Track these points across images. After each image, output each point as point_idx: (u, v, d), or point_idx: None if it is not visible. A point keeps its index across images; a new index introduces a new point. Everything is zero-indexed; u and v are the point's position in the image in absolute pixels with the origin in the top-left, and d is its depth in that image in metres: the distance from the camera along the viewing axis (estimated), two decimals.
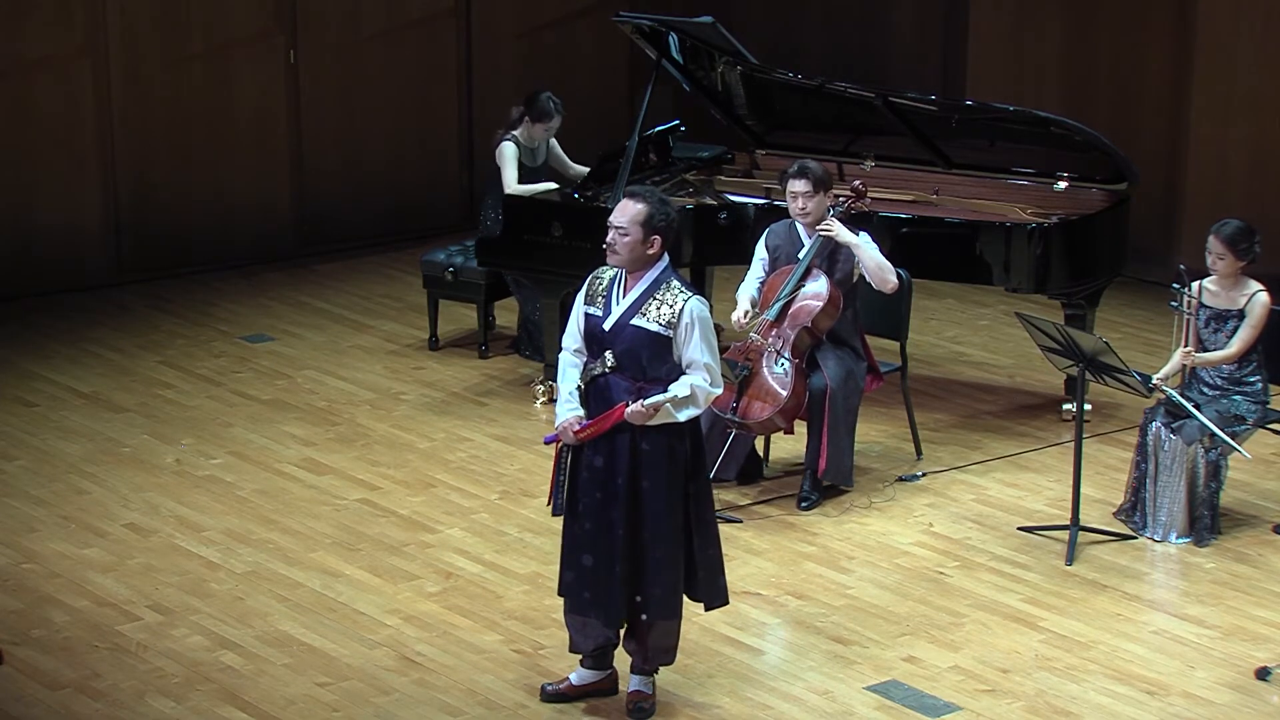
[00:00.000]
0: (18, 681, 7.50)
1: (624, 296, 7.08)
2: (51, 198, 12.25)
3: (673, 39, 10.73)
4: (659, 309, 7.01)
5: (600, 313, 7.11)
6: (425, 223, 13.40)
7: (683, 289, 7.04)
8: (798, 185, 9.09)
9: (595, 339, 7.12)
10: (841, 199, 9.33)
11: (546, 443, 7.26)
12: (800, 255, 9.16)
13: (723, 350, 8.95)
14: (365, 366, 11.08)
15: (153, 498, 9.28)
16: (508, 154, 10.86)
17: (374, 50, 13.22)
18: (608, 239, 7.05)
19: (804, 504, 9.15)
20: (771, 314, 9.07)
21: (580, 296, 7.23)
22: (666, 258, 7.10)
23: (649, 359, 7.02)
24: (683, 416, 7.01)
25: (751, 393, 9.03)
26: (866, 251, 9.06)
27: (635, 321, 7.03)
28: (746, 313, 9.11)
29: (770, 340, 9.07)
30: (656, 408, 6.94)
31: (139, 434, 10.06)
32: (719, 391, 7.08)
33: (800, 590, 8.36)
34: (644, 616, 7.15)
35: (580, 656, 7.41)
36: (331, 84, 13.12)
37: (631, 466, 7.04)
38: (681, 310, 7.00)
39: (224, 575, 8.45)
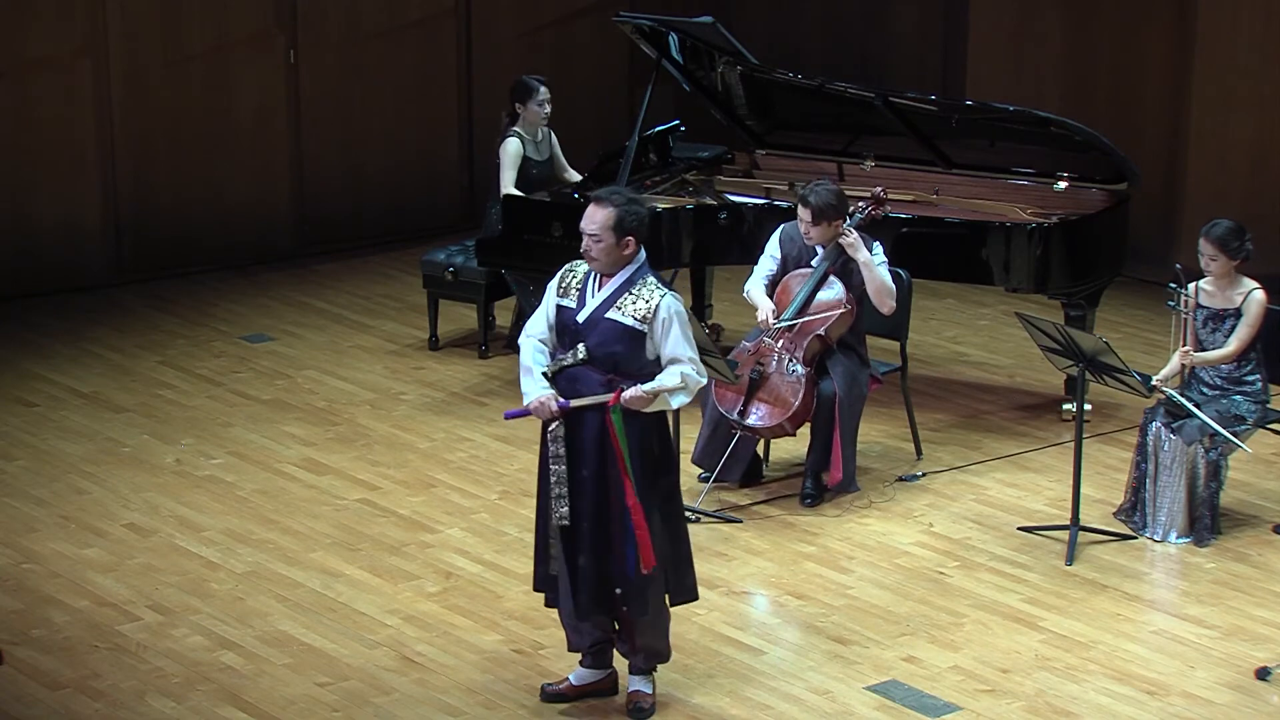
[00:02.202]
0: (18, 681, 7.51)
1: (599, 290, 7.10)
2: (51, 198, 12.24)
3: (673, 39, 10.73)
4: (634, 304, 7.03)
5: (574, 305, 7.13)
6: (425, 223, 13.40)
7: (658, 286, 7.07)
8: (801, 213, 9.07)
9: (567, 331, 7.14)
10: (862, 204, 9.31)
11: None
12: (815, 262, 9.15)
13: (727, 352, 8.98)
14: (365, 366, 11.08)
15: (153, 498, 9.28)
16: (510, 151, 10.81)
17: (374, 50, 13.22)
18: (583, 246, 7.07)
19: (808, 500, 9.15)
20: (785, 319, 9.06)
21: (552, 287, 7.23)
22: (643, 254, 7.11)
23: (622, 353, 7.03)
24: (675, 403, 7.05)
25: (761, 396, 9.02)
26: (874, 272, 9.04)
27: (610, 315, 7.04)
28: (773, 310, 9.08)
29: (782, 345, 9.06)
30: (655, 393, 6.95)
31: (139, 434, 10.06)
32: (704, 381, 7.10)
33: (800, 590, 8.36)
34: (625, 608, 7.16)
35: (580, 656, 7.42)
36: (331, 84, 13.11)
37: (600, 459, 7.05)
38: (657, 307, 7.01)
39: (224, 575, 8.46)
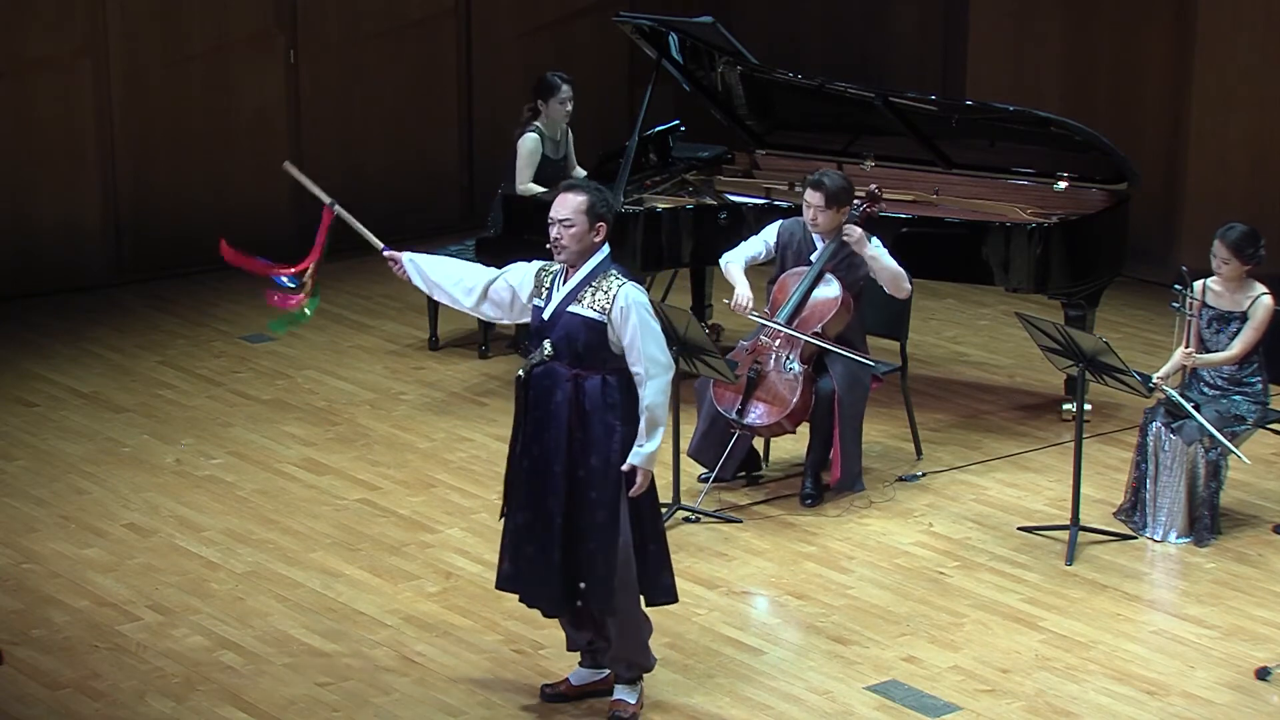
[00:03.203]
0: (18, 681, 7.51)
1: (564, 285, 7.11)
2: (51, 198, 12.25)
3: (673, 39, 10.73)
4: (594, 295, 7.03)
5: (542, 303, 7.14)
6: (425, 223, 13.39)
7: (619, 277, 7.05)
8: (812, 197, 9.05)
9: (535, 329, 7.15)
10: (858, 202, 9.30)
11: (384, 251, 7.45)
12: (813, 258, 9.15)
13: (727, 351, 8.99)
14: (365, 366, 11.08)
15: (153, 498, 9.28)
16: (528, 147, 10.81)
17: (374, 50, 13.22)
18: (553, 235, 7.07)
19: (808, 500, 9.15)
20: (782, 316, 9.06)
21: (531, 273, 7.21)
22: (607, 248, 7.11)
23: (585, 346, 7.02)
24: (664, 424, 7.00)
25: (759, 395, 9.02)
26: (883, 262, 9.04)
27: (571, 308, 7.04)
28: (749, 299, 9.07)
29: (780, 343, 9.06)
30: (645, 471, 6.98)
31: (139, 434, 10.06)
32: (670, 372, 7.03)
33: (800, 590, 8.36)
34: (578, 603, 7.15)
35: (579, 657, 7.42)
36: (331, 84, 13.12)
37: (569, 456, 7.05)
38: (616, 295, 7.00)
39: (224, 575, 8.46)
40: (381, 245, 7.50)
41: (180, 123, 12.59)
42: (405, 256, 7.39)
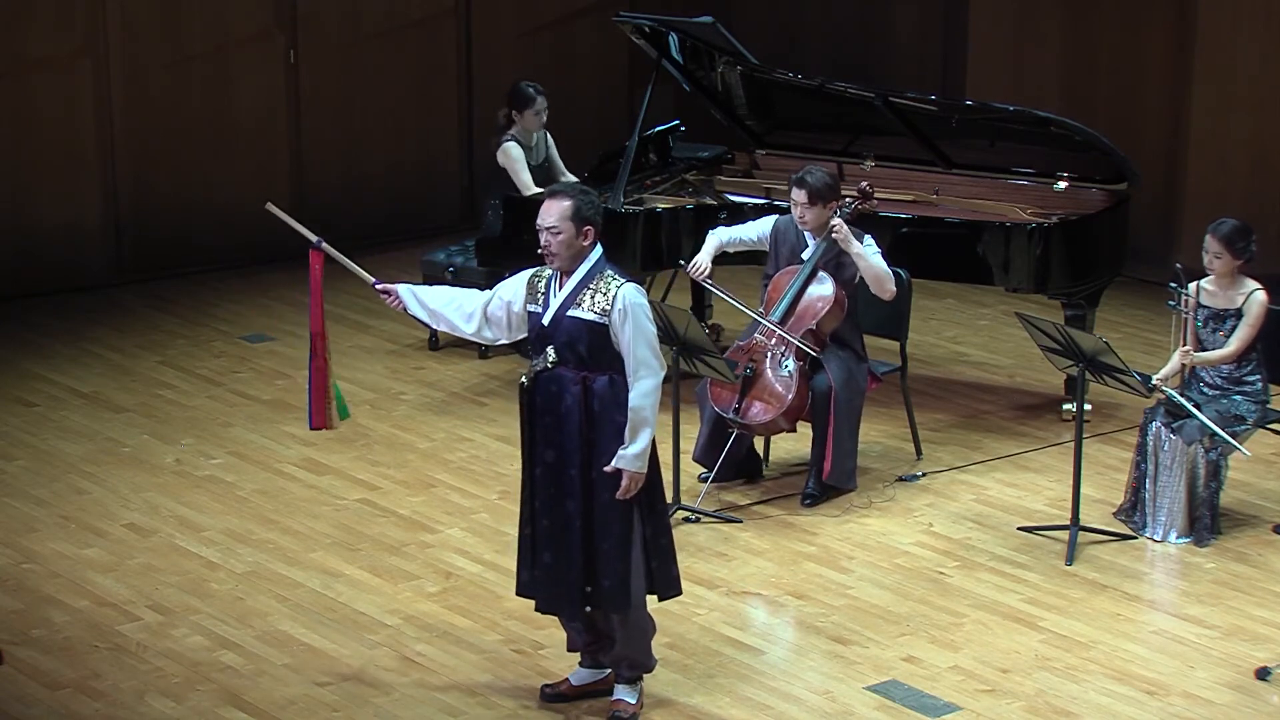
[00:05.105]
0: (18, 681, 7.51)
1: (560, 289, 7.10)
2: (51, 198, 12.25)
3: (673, 39, 10.74)
4: (593, 298, 7.02)
5: (540, 309, 7.13)
6: (425, 223, 13.40)
7: (616, 277, 7.05)
8: (797, 195, 9.08)
9: (536, 336, 7.15)
10: (848, 200, 9.31)
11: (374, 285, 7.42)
12: (805, 256, 9.16)
13: (724, 350, 8.99)
14: (365, 366, 11.08)
15: (153, 498, 9.28)
16: (514, 155, 10.83)
17: (374, 50, 13.23)
18: (542, 243, 7.05)
19: (807, 501, 9.15)
20: (776, 314, 9.07)
21: (522, 285, 7.21)
22: (600, 249, 7.10)
23: (588, 349, 7.02)
24: (652, 426, 7.00)
25: (755, 393, 9.02)
26: (868, 261, 9.05)
27: (572, 313, 7.03)
28: (705, 267, 9.31)
29: (774, 341, 9.07)
30: (631, 474, 6.98)
31: (139, 434, 10.06)
32: (659, 376, 7.02)
33: (800, 590, 8.36)
34: (588, 608, 7.16)
35: (579, 657, 7.42)
36: (331, 84, 13.12)
37: (584, 458, 7.04)
38: (615, 297, 6.99)
39: (224, 575, 8.46)
40: (373, 279, 7.46)
41: (180, 123, 12.59)
42: (402, 288, 7.36)
